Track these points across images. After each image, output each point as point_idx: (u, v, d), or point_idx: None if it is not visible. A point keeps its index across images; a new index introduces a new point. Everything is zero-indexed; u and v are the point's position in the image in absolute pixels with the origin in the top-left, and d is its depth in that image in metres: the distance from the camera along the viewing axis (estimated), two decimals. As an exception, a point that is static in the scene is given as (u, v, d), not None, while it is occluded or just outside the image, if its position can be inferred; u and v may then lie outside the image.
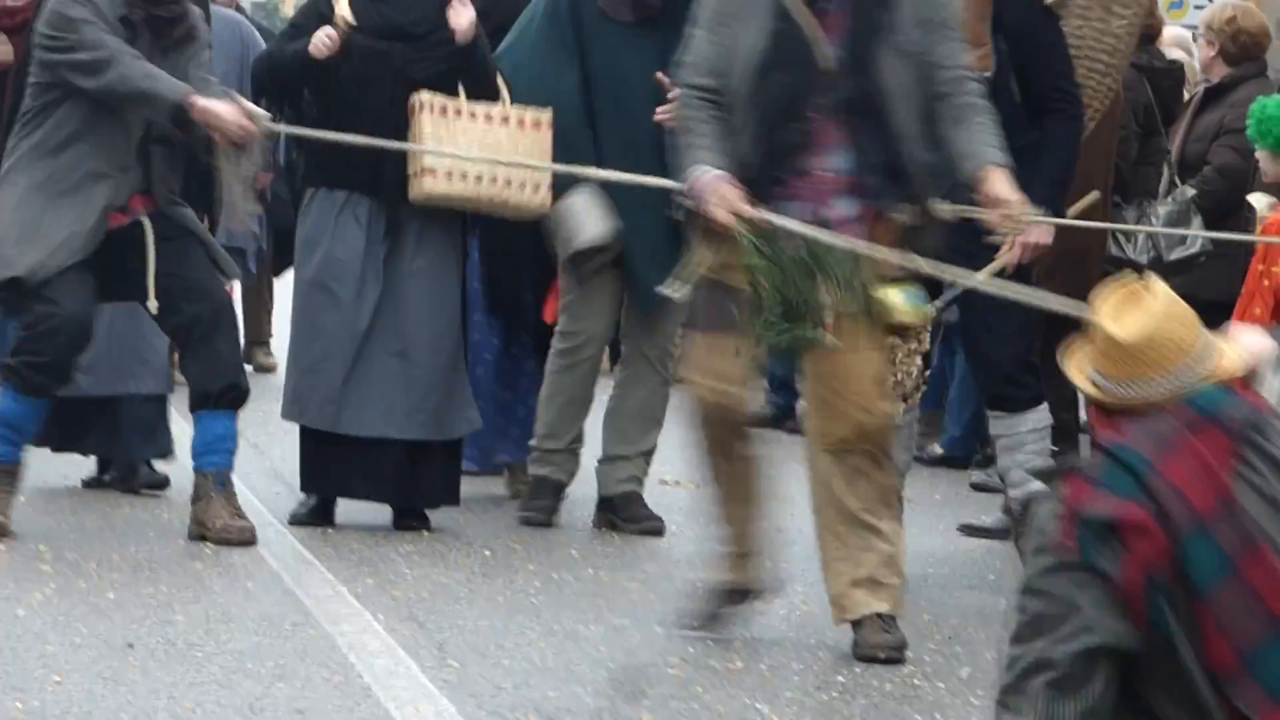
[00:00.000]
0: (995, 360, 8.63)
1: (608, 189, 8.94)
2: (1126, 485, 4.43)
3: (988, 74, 8.08)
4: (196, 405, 9.11)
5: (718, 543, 8.02)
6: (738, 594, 7.88)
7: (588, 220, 9.11)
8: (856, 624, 7.78)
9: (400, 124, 9.05)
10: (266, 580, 8.48)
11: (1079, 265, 9.10)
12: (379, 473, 9.18)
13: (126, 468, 10.32)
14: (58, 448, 9.99)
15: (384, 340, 9.05)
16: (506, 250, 9.89)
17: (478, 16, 9.39)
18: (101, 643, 7.32)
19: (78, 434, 9.93)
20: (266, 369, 14.07)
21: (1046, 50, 8.48)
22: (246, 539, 9.00)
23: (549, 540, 9.15)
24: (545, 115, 9.23)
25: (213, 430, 9.12)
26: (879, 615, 7.72)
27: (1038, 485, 7.42)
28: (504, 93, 9.28)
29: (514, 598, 7.87)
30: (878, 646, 7.72)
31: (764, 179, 7.45)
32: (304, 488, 9.65)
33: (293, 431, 9.90)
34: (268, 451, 10.28)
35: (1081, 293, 7.25)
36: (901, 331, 7.63)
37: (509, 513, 9.72)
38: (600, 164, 8.72)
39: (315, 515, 9.54)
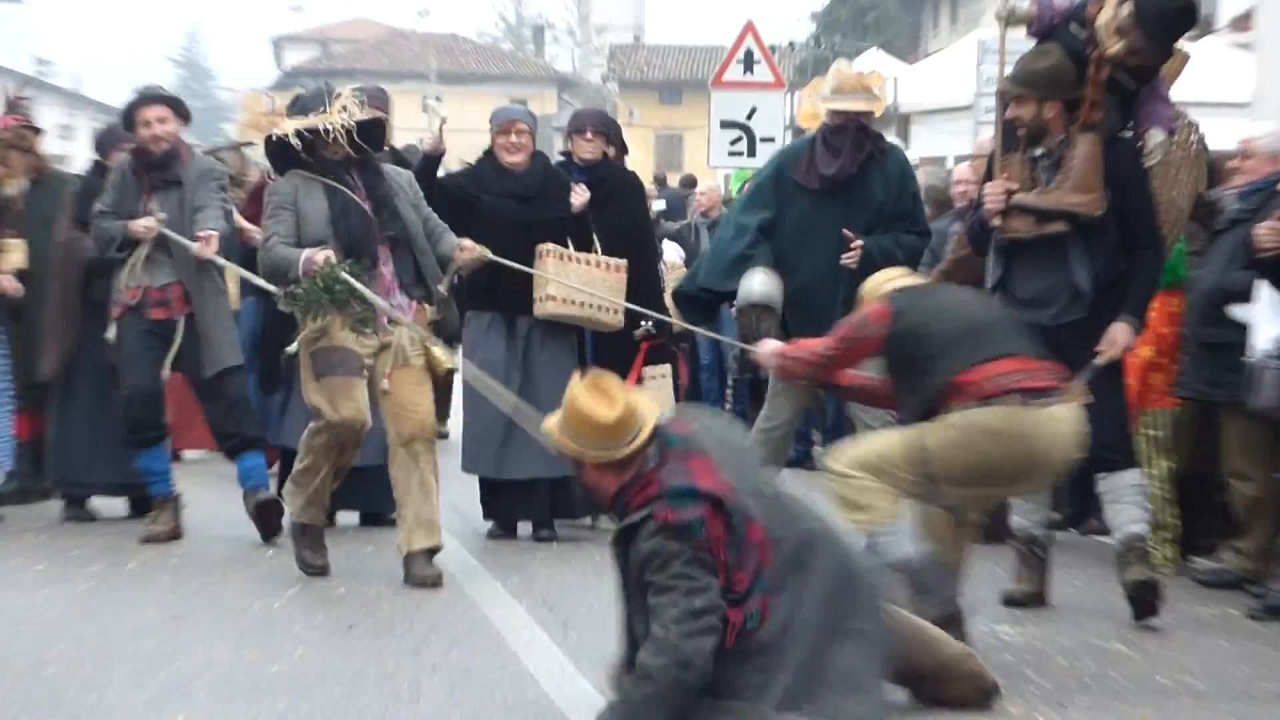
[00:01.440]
0: (1097, 434, 8.51)
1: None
2: (691, 498, 6.26)
3: (1100, 212, 8.88)
4: None
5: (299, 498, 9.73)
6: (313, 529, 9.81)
7: (756, 286, 10.06)
8: (408, 557, 9.64)
9: (524, 259, 10.60)
10: (446, 579, 9.69)
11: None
12: (531, 500, 10.83)
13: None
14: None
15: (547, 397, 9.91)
16: (611, 348, 11.25)
17: (596, 185, 11.18)
18: (331, 625, 8.62)
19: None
20: (443, 436, 14.89)
21: (1144, 201, 9.04)
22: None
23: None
24: (623, 262, 10.86)
25: None
26: (427, 550, 9.66)
27: (1136, 529, 8.92)
28: (595, 243, 10.96)
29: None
30: (425, 577, 9.59)
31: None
32: (486, 516, 11.31)
33: (461, 478, 11.43)
34: (447, 490, 10.52)
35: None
36: None
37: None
38: (784, 297, 9.81)
39: (499, 531, 11.17)
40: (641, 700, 6.19)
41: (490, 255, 10.03)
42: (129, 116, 11.29)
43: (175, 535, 11.14)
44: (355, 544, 10.79)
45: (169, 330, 11.02)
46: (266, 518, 10.99)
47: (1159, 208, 9.16)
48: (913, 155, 17.52)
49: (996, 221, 9.05)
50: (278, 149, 9.86)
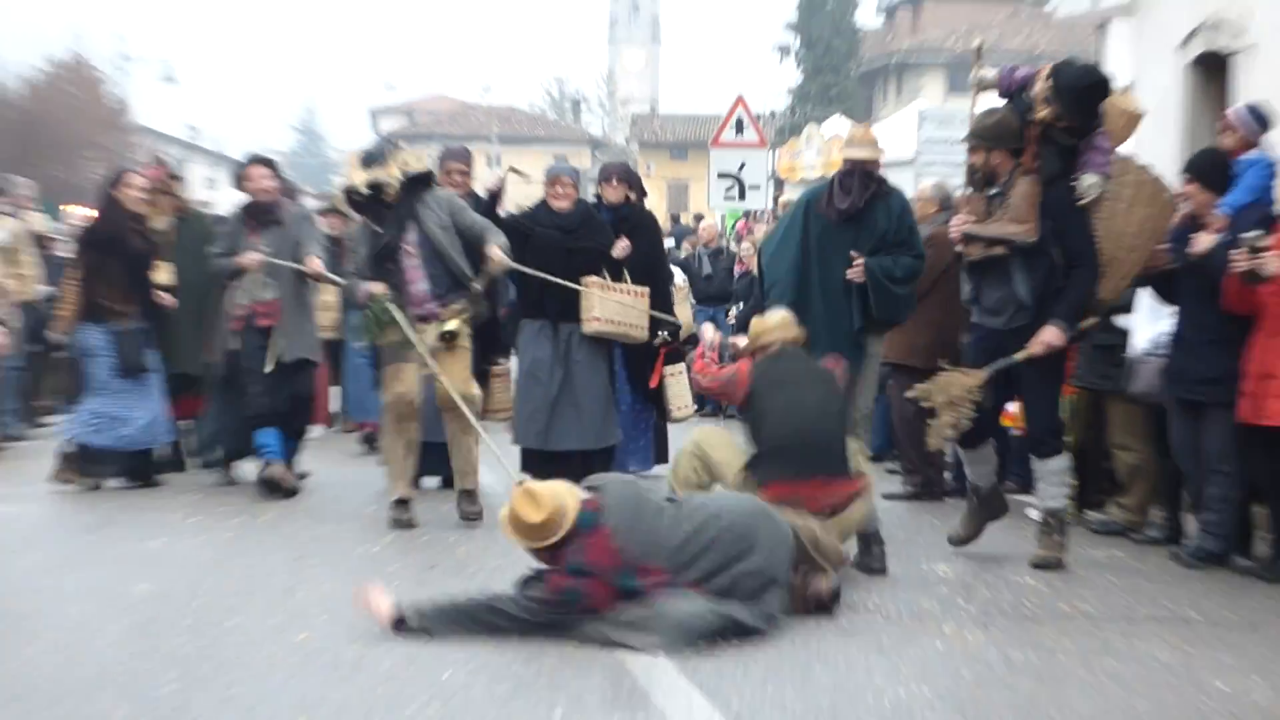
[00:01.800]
0: (1033, 423, 9.06)
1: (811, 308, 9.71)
2: (580, 569, 6.79)
3: (1033, 239, 8.73)
4: None
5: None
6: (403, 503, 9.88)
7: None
8: (458, 495, 10.04)
9: (566, 278, 10.68)
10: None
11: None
12: (569, 467, 10.47)
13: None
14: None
15: (566, 399, 10.85)
16: (637, 355, 11.57)
17: (622, 222, 11.33)
18: (418, 565, 8.53)
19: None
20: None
21: (1078, 229, 8.77)
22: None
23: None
24: (647, 289, 11.04)
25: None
26: (465, 491, 10.05)
27: (1055, 504, 8.95)
28: (625, 275, 11.07)
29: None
30: (465, 512, 9.98)
31: None
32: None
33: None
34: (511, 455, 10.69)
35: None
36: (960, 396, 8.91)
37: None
38: (809, 303, 9.49)
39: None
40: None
41: (510, 263, 10.09)
42: (239, 173, 11.78)
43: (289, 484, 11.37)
44: (436, 502, 10.70)
45: (271, 334, 11.36)
46: (273, 488, 11.21)
47: (1113, 235, 8.85)
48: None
49: (959, 247, 9.09)
50: (350, 196, 10.10)
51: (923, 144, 21.49)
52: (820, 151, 29.28)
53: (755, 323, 9.08)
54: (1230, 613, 7.90)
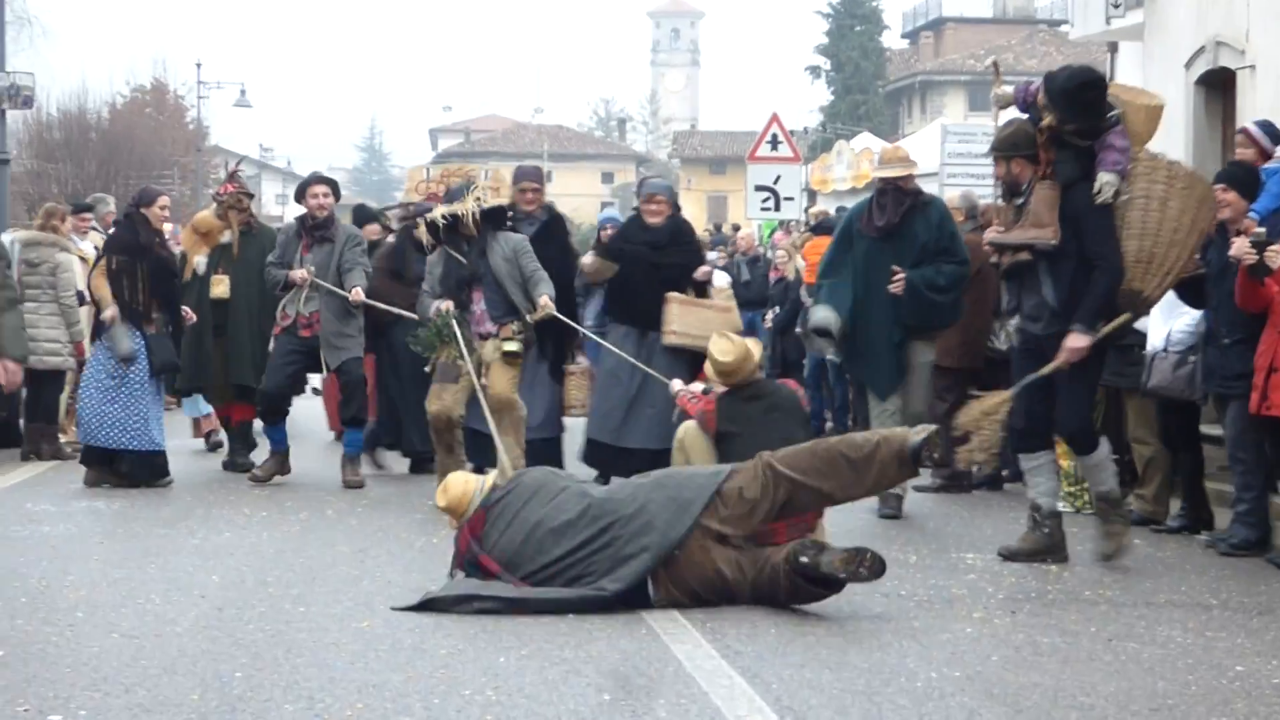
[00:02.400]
0: (1062, 421, 8.69)
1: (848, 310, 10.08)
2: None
3: (1055, 242, 8.43)
4: None
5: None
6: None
7: (816, 316, 10.28)
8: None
9: (657, 291, 11.07)
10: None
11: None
12: (636, 463, 10.37)
13: None
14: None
15: (643, 401, 10.99)
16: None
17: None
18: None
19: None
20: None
21: (1097, 232, 8.39)
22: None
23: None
24: (733, 304, 11.40)
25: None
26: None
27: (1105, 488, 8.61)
28: (710, 291, 11.42)
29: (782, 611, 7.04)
30: None
31: None
32: (598, 471, 11.13)
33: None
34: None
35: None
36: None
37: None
38: (856, 311, 9.93)
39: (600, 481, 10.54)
40: None
41: (554, 312, 10.36)
42: (301, 190, 12.06)
43: (283, 472, 11.86)
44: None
45: (314, 344, 11.65)
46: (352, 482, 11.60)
47: (1150, 232, 8.45)
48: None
49: (994, 258, 8.90)
50: (430, 225, 10.50)
51: (946, 159, 21.42)
52: (850, 165, 29.24)
53: (715, 363, 9.18)
54: (1248, 598, 7.82)
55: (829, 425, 14.97)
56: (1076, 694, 5.83)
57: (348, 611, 7.08)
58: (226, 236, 12.29)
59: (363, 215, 14.51)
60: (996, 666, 6.25)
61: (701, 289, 11.34)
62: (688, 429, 9.16)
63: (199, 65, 55.88)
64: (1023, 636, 6.81)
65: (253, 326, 12.23)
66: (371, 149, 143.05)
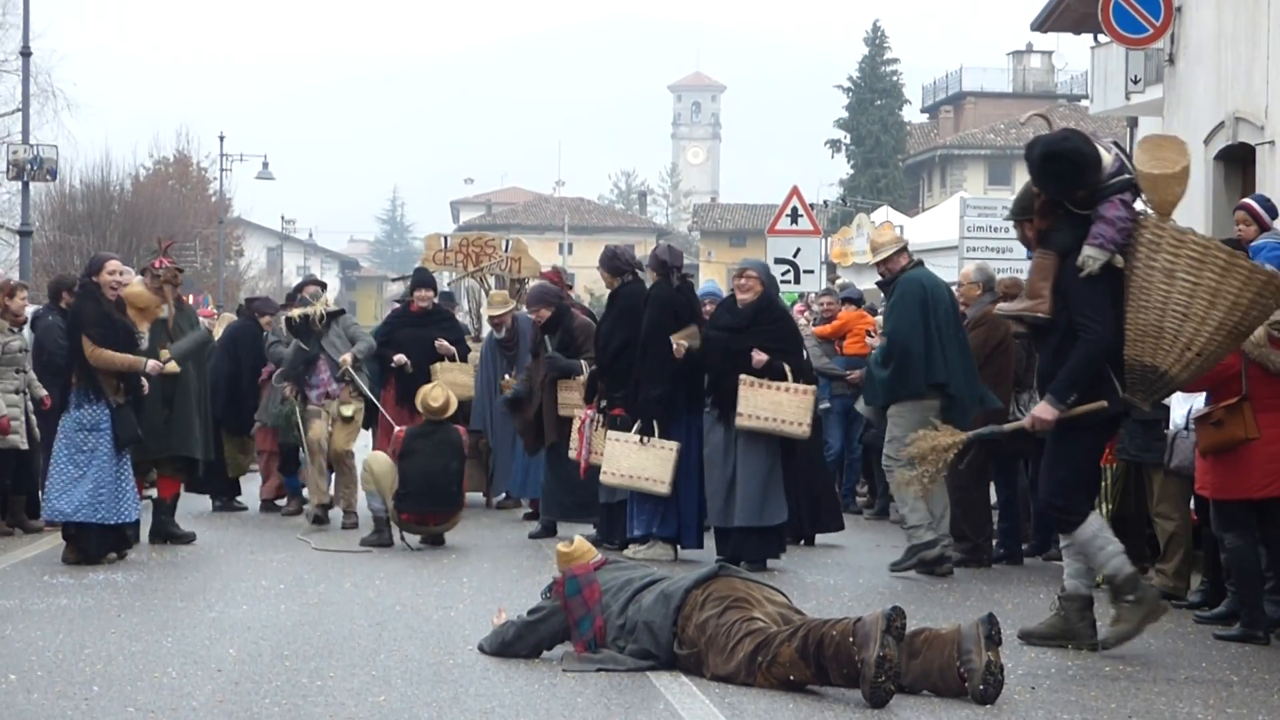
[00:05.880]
0: (1043, 488, 8.53)
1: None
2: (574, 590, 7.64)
3: (1046, 315, 8.22)
4: None
5: None
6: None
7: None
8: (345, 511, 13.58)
9: (730, 377, 11.20)
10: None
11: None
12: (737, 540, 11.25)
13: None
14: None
15: (737, 482, 11.20)
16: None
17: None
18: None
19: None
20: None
21: (1081, 304, 8.08)
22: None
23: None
24: (811, 387, 11.32)
25: None
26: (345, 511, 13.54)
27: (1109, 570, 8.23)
28: (788, 373, 11.19)
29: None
30: (346, 525, 13.30)
31: None
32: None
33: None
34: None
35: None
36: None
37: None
38: (931, 367, 10.67)
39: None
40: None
41: (349, 368, 13.43)
42: (298, 289, 14.55)
43: (298, 512, 14.43)
44: (522, 567, 10.56)
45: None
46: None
47: (1155, 305, 8.04)
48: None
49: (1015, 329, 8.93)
50: (288, 321, 13.79)
51: (966, 232, 21.48)
52: (870, 238, 29.22)
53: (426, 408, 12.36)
54: (1269, 675, 7.75)
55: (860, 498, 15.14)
56: (1097, 772, 5.80)
57: (364, 685, 7.06)
58: (164, 311, 12.13)
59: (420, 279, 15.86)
60: (1016, 744, 6.20)
61: (777, 370, 11.20)
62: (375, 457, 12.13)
63: (222, 137, 56.24)
64: (1043, 713, 6.76)
65: (201, 400, 12.40)
66: (393, 221, 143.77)
